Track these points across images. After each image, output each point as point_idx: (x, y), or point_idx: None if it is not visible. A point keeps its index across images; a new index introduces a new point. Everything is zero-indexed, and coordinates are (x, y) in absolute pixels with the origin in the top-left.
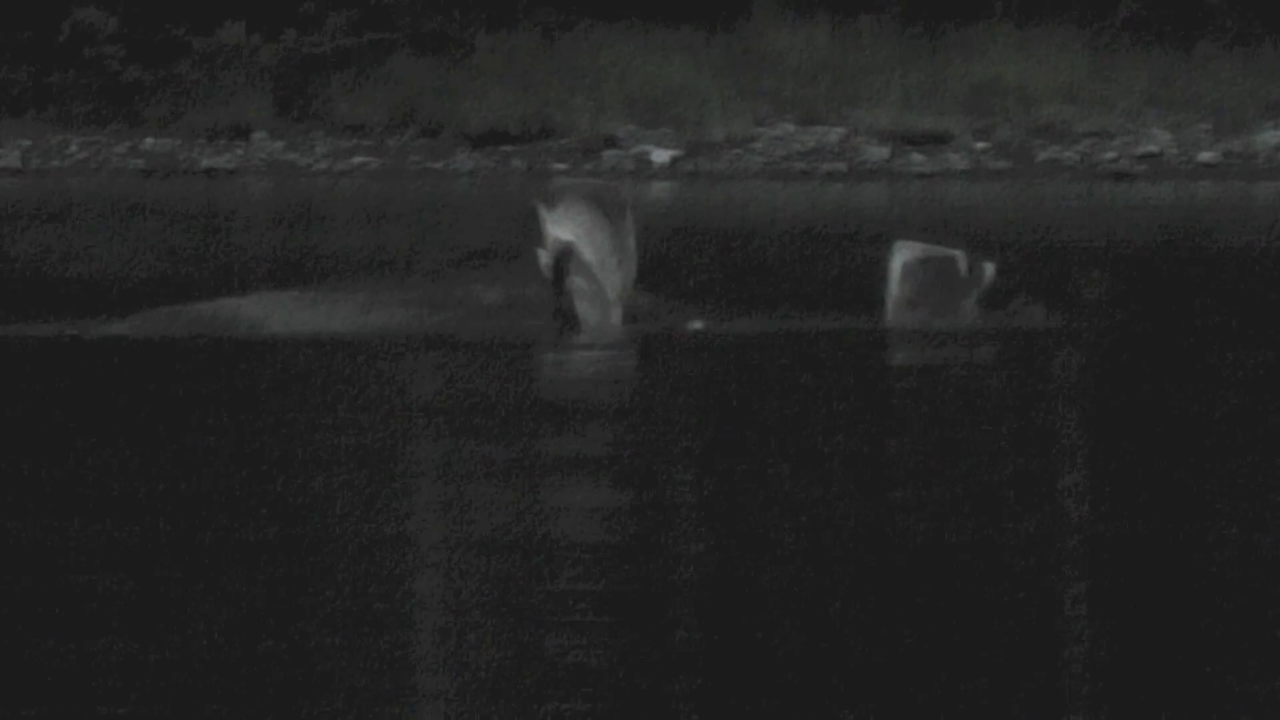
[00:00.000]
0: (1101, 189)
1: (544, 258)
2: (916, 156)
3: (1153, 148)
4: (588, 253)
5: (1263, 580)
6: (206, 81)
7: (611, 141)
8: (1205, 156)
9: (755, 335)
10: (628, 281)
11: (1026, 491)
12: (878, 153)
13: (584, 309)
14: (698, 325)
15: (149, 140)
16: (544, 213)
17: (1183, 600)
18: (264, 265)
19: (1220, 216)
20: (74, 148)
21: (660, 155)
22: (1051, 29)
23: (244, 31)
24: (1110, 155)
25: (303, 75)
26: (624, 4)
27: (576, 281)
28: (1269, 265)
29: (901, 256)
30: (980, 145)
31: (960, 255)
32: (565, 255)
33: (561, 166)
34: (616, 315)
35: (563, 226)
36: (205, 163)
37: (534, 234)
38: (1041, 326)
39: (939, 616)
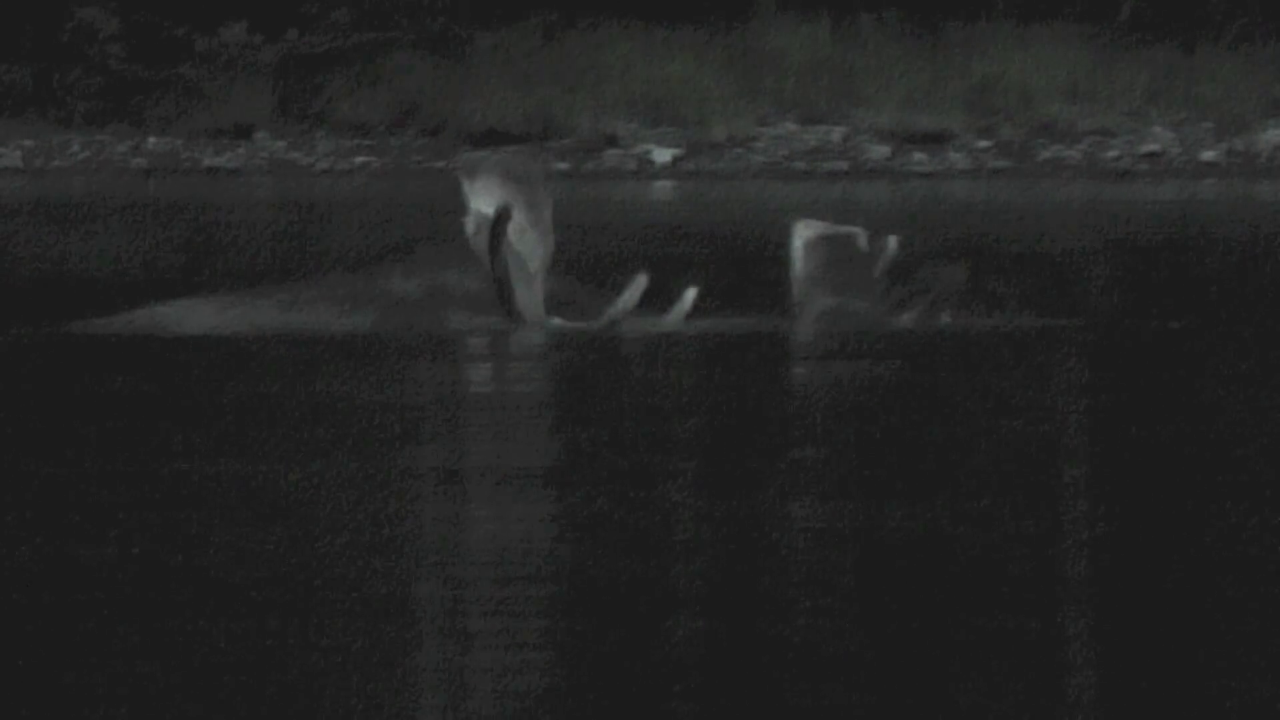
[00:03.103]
0: (1104, 188)
1: (469, 227)
2: (918, 155)
3: (1155, 146)
4: (508, 226)
5: (1244, 581)
6: (208, 81)
7: (613, 141)
8: (1207, 155)
9: (739, 334)
10: (547, 255)
11: (992, 492)
12: (879, 152)
13: (519, 287)
14: (691, 294)
15: (151, 140)
16: (465, 185)
17: (1160, 606)
18: (259, 265)
19: (1223, 215)
20: (76, 147)
21: (662, 155)
22: (1053, 27)
23: (246, 31)
24: (1112, 154)
25: (304, 75)
26: (626, 4)
27: (511, 247)
28: (1271, 263)
29: (801, 236)
30: (982, 144)
31: (860, 232)
32: (501, 220)
33: (563, 166)
34: (538, 289)
35: (482, 199)
36: (207, 162)
37: (458, 206)
38: (950, 305)
39: (903, 621)
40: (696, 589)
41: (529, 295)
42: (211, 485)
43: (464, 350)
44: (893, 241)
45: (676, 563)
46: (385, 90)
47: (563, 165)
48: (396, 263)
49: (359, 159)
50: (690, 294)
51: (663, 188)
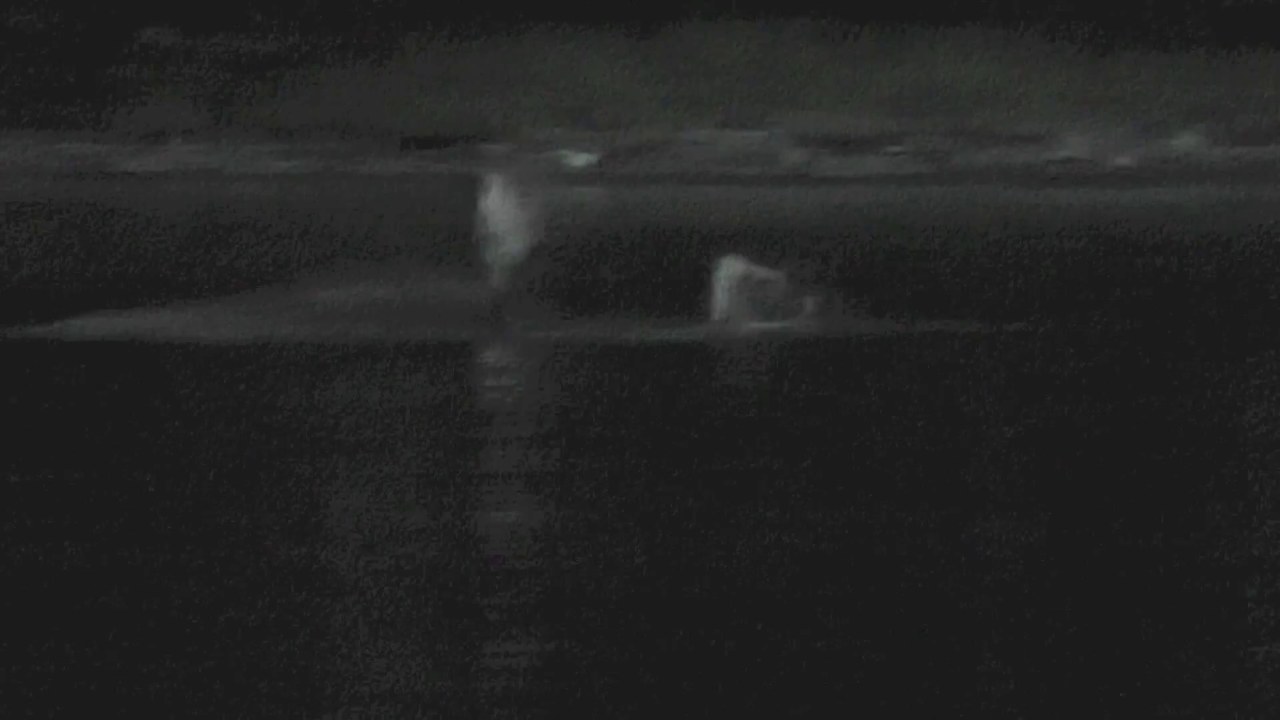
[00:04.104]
0: (1020, 193)
1: (488, 246)
2: (836, 161)
3: (1071, 152)
4: (502, 220)
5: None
6: (133, 84)
7: (534, 145)
8: (1123, 161)
9: (658, 343)
10: (522, 248)
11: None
12: (797, 156)
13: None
14: (809, 306)
15: (72, 143)
16: (487, 183)
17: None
18: (169, 274)
19: (1138, 219)
20: None
21: (580, 159)
22: (971, 34)
23: (172, 34)
24: (1029, 159)
25: (231, 79)
26: (553, 8)
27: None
28: (1184, 267)
29: (726, 273)
30: (899, 149)
31: (781, 277)
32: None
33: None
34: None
35: (492, 195)
36: (128, 166)
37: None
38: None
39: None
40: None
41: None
42: (143, 490)
43: (390, 359)
44: (810, 302)
45: (608, 568)
46: (311, 95)
47: (484, 170)
48: (317, 273)
49: (282, 164)
50: (809, 302)
51: (581, 192)
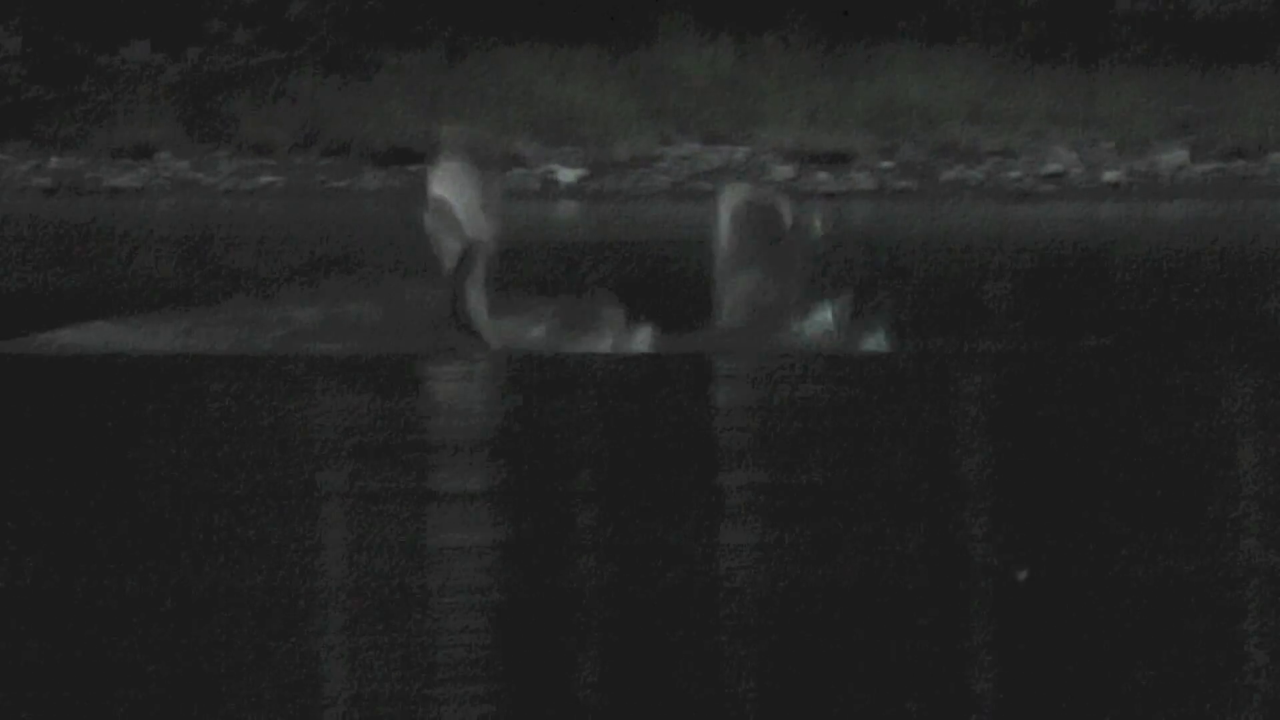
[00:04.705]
0: (1006, 208)
1: (429, 222)
2: (821, 175)
3: (1057, 167)
4: (459, 207)
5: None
6: (111, 100)
7: (518, 161)
8: (1109, 176)
9: (659, 356)
10: (492, 236)
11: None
12: (783, 172)
13: (479, 316)
14: (829, 309)
15: (53, 159)
16: (430, 172)
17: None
18: (161, 287)
19: (1124, 235)
20: None
21: (566, 175)
22: (955, 48)
23: (149, 49)
24: (1015, 174)
25: (208, 94)
26: (530, 24)
27: (477, 281)
28: (1171, 284)
29: (729, 202)
30: (885, 164)
31: (786, 201)
32: (470, 254)
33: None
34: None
35: (443, 183)
36: (109, 182)
37: (421, 195)
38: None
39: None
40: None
41: (486, 316)
42: (129, 502)
43: (367, 375)
44: (817, 221)
45: (603, 586)
46: (289, 110)
47: None
48: (298, 288)
49: (263, 179)
50: (817, 223)
51: (567, 207)
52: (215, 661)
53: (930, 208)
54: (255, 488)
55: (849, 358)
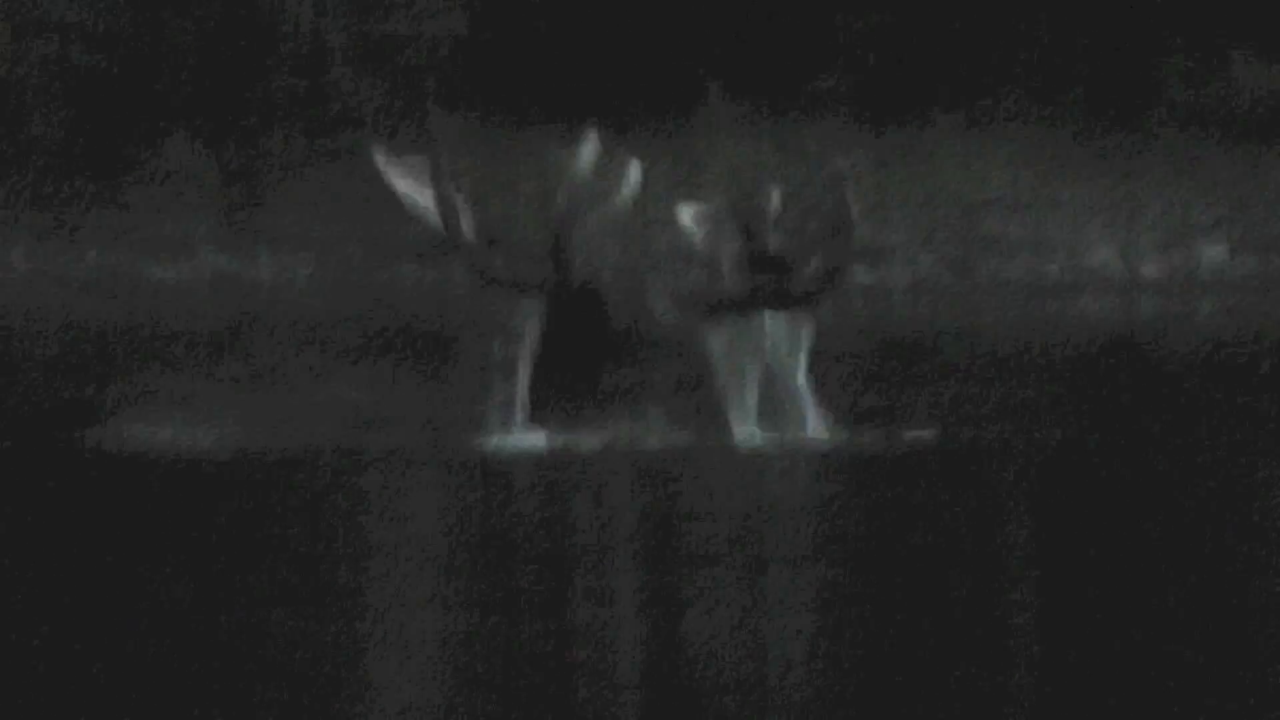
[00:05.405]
0: (1045, 302)
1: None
2: (859, 267)
3: (1096, 262)
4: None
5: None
6: (151, 194)
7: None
8: (1149, 271)
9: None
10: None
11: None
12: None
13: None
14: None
15: (91, 253)
16: (381, 160)
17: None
18: (206, 379)
19: (1163, 331)
20: (16, 260)
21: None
22: (996, 140)
23: (189, 142)
24: (1053, 268)
25: (248, 187)
26: (569, 112)
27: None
28: (1212, 378)
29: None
30: (923, 257)
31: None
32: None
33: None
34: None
35: (403, 181)
36: (150, 276)
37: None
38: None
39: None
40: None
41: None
42: (175, 603)
43: (427, 468)
44: (775, 196)
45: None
46: (329, 202)
47: None
48: (349, 373)
49: (302, 271)
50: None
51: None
52: None
53: (969, 300)
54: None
55: (888, 454)
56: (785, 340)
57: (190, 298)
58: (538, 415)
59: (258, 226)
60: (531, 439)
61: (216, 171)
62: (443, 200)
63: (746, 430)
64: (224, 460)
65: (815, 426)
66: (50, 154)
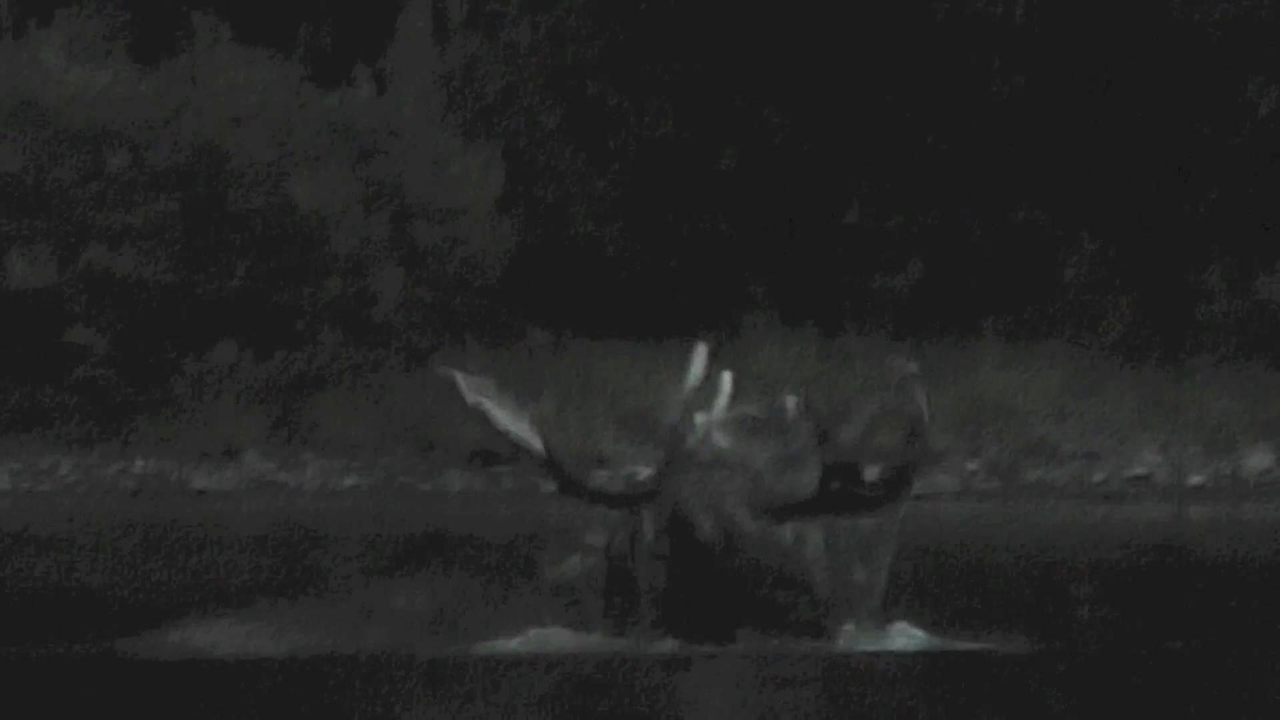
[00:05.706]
0: (1090, 510)
1: (500, 419)
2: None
3: (1143, 469)
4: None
5: None
6: (198, 401)
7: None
8: (1195, 479)
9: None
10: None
11: None
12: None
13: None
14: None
15: (139, 461)
16: (460, 379)
17: None
18: (253, 586)
19: (1210, 538)
20: (65, 469)
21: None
22: (1040, 347)
23: (235, 351)
24: (1099, 476)
25: (294, 394)
26: (615, 322)
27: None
28: (1259, 586)
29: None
30: (970, 465)
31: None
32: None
33: (552, 488)
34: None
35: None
36: (196, 483)
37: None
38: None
39: None
40: None
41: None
42: None
43: (458, 670)
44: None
45: None
46: (375, 409)
47: (552, 486)
48: (402, 579)
49: (348, 480)
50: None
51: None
52: None
53: (1015, 508)
54: None
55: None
56: (866, 542)
57: (234, 505)
58: (664, 621)
59: (303, 433)
60: (661, 645)
61: (263, 378)
62: (537, 421)
63: (849, 629)
64: (280, 661)
65: (901, 627)
66: (96, 362)
